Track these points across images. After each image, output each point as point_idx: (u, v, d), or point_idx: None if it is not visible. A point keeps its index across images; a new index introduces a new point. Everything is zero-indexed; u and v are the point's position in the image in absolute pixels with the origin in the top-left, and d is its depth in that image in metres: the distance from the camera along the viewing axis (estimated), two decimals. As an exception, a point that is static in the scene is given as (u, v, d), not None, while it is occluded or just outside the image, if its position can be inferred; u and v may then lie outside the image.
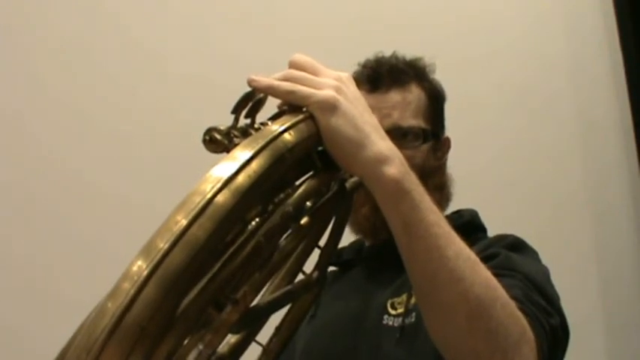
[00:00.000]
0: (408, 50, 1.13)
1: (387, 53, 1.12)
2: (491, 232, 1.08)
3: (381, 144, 0.63)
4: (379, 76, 1.07)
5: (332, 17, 1.85)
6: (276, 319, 0.67)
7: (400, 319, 0.94)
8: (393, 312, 0.97)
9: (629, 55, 1.84)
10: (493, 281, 0.65)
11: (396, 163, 0.62)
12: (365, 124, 0.63)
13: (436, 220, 0.64)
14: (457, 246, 0.64)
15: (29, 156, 1.73)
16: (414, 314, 0.93)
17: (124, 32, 1.81)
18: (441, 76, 1.15)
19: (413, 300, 0.93)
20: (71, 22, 1.81)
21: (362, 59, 1.13)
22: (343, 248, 1.15)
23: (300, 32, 1.79)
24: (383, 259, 1.03)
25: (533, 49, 1.87)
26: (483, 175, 1.74)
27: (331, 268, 1.12)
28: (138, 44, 1.81)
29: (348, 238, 1.12)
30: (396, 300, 0.98)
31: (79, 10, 1.82)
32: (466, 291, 0.62)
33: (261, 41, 1.76)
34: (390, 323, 0.95)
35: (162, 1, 1.87)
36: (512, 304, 0.67)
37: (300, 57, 0.65)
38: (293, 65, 0.64)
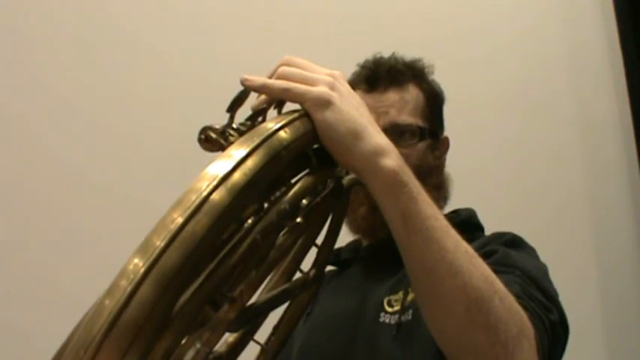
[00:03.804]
0: (407, 50, 1.14)
1: (387, 54, 1.12)
2: (491, 232, 1.07)
3: (378, 137, 0.63)
4: (377, 76, 1.07)
5: (332, 17, 1.86)
6: (274, 318, 0.68)
7: (397, 316, 0.94)
8: (389, 309, 0.96)
9: (629, 55, 1.84)
10: (491, 275, 0.65)
11: (393, 156, 0.63)
12: (361, 117, 0.63)
13: (433, 213, 0.64)
14: (455, 239, 0.64)
15: (29, 154, 1.74)
16: (410, 311, 0.93)
17: (124, 31, 1.82)
18: (440, 75, 1.15)
19: (409, 297, 0.93)
20: (71, 22, 1.82)
21: (361, 59, 1.13)
22: (341, 248, 1.15)
23: (300, 32, 1.79)
24: (380, 258, 1.03)
25: (533, 49, 1.87)
26: (483, 175, 1.74)
27: (329, 268, 1.12)
28: (138, 43, 1.81)
29: (346, 238, 1.13)
30: (393, 297, 0.97)
31: (80, 9, 1.82)
32: (465, 284, 0.62)
33: (261, 41, 1.76)
34: (387, 320, 0.95)
35: (163, 1, 1.87)
36: (510, 298, 0.67)
37: (290, 57, 0.65)
38: (284, 64, 0.64)
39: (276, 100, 0.62)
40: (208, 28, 1.84)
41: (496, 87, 1.84)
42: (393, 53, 1.12)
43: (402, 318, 0.93)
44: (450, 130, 1.16)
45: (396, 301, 0.96)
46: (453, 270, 0.62)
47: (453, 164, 1.14)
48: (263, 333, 0.66)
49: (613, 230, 1.80)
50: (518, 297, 0.71)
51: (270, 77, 0.64)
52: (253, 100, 0.63)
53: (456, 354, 0.67)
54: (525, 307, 0.72)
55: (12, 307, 1.62)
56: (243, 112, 0.60)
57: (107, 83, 1.79)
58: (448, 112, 1.16)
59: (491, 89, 1.84)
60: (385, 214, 0.64)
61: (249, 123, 0.58)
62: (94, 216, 1.70)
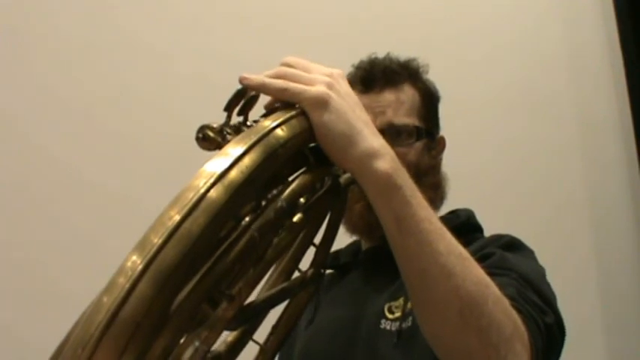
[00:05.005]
0: (407, 50, 1.14)
1: (382, 54, 1.12)
2: (491, 233, 1.07)
3: (373, 139, 0.63)
4: (373, 77, 1.07)
5: (332, 17, 1.86)
6: (273, 318, 0.68)
7: (397, 323, 0.94)
8: (390, 316, 0.96)
9: (629, 55, 1.84)
10: (485, 278, 0.65)
11: (387, 159, 0.63)
12: (357, 119, 0.63)
13: (427, 216, 0.64)
14: (448, 242, 0.64)
15: (28, 154, 1.74)
16: (410, 318, 0.93)
17: (124, 31, 1.82)
18: (440, 75, 1.15)
19: (410, 304, 0.93)
20: (71, 22, 1.82)
21: (361, 58, 1.13)
22: (340, 251, 1.15)
23: (300, 32, 1.79)
24: (380, 263, 1.03)
25: (533, 49, 1.88)
26: (483, 175, 1.75)
27: (328, 272, 1.12)
28: (138, 43, 1.81)
29: (345, 240, 1.13)
30: (394, 304, 0.98)
31: (79, 9, 1.82)
32: (457, 287, 0.62)
33: (261, 41, 1.77)
34: (388, 327, 0.95)
35: (163, 1, 1.88)
36: (504, 301, 0.67)
37: (290, 57, 0.66)
38: (284, 65, 0.65)
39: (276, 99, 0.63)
40: (208, 28, 1.84)
41: (496, 87, 1.84)
42: (388, 53, 1.12)
43: (403, 325, 0.93)
44: (449, 130, 1.16)
45: (396, 307, 0.96)
46: (445, 273, 0.63)
47: (453, 164, 1.14)
48: (262, 333, 0.66)
49: (613, 230, 1.80)
50: (513, 299, 0.71)
51: (268, 77, 0.64)
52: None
53: (449, 356, 0.68)
54: (520, 310, 0.72)
55: (11, 306, 1.62)
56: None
57: (107, 83, 1.79)
58: (448, 112, 1.16)
59: (491, 89, 1.84)
60: (379, 217, 0.64)
61: (247, 121, 0.58)
62: (92, 215, 1.71)
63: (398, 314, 0.95)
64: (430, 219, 0.64)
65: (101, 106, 1.77)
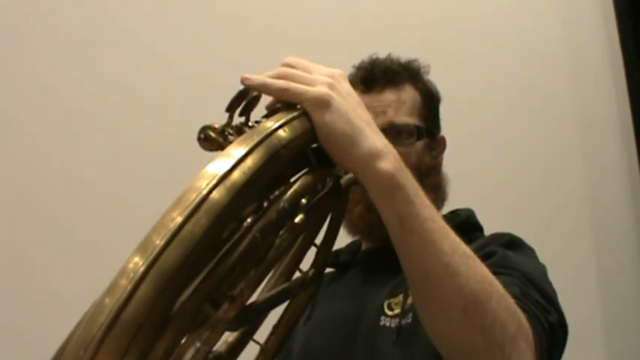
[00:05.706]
0: (407, 50, 1.14)
1: (385, 54, 1.12)
2: (491, 232, 1.07)
3: (375, 139, 0.63)
4: (374, 77, 1.08)
5: (332, 17, 1.86)
6: (273, 318, 0.68)
7: (397, 319, 0.94)
8: (389, 313, 0.97)
9: (629, 55, 1.84)
10: (489, 276, 0.65)
11: (389, 158, 0.63)
12: (358, 119, 0.63)
13: (431, 215, 0.64)
14: (452, 241, 0.64)
15: (28, 155, 1.74)
16: (410, 315, 0.93)
17: (124, 32, 1.82)
18: (441, 75, 1.15)
19: (409, 300, 0.93)
20: (71, 22, 1.82)
21: (361, 59, 1.13)
22: (340, 250, 1.15)
23: (300, 32, 1.79)
24: (379, 261, 1.03)
25: (533, 49, 1.88)
26: (483, 175, 1.75)
27: (328, 270, 1.12)
28: (138, 43, 1.82)
29: (345, 239, 1.13)
30: (393, 301, 0.98)
31: (79, 9, 1.83)
32: (461, 286, 0.62)
33: (261, 41, 1.77)
34: (387, 324, 0.95)
35: (163, 1, 1.88)
36: (508, 299, 0.67)
37: (291, 58, 0.66)
38: (285, 65, 0.65)
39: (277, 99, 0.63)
40: (208, 28, 1.84)
41: (496, 87, 1.84)
42: (389, 54, 1.12)
43: (402, 321, 0.93)
44: (450, 130, 1.16)
45: (396, 304, 0.96)
46: (449, 272, 0.62)
47: (453, 164, 1.14)
48: (262, 333, 0.66)
49: (613, 230, 1.80)
50: (516, 298, 0.71)
51: (270, 77, 0.64)
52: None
53: (453, 355, 0.67)
54: (524, 309, 0.72)
55: (11, 306, 1.62)
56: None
57: (107, 83, 1.79)
58: (448, 112, 1.16)
59: (491, 89, 1.84)
60: (382, 217, 0.64)
61: (249, 122, 0.59)
62: (93, 215, 1.71)
63: (397, 311, 0.95)
64: (433, 218, 0.64)
65: (101, 106, 1.77)
